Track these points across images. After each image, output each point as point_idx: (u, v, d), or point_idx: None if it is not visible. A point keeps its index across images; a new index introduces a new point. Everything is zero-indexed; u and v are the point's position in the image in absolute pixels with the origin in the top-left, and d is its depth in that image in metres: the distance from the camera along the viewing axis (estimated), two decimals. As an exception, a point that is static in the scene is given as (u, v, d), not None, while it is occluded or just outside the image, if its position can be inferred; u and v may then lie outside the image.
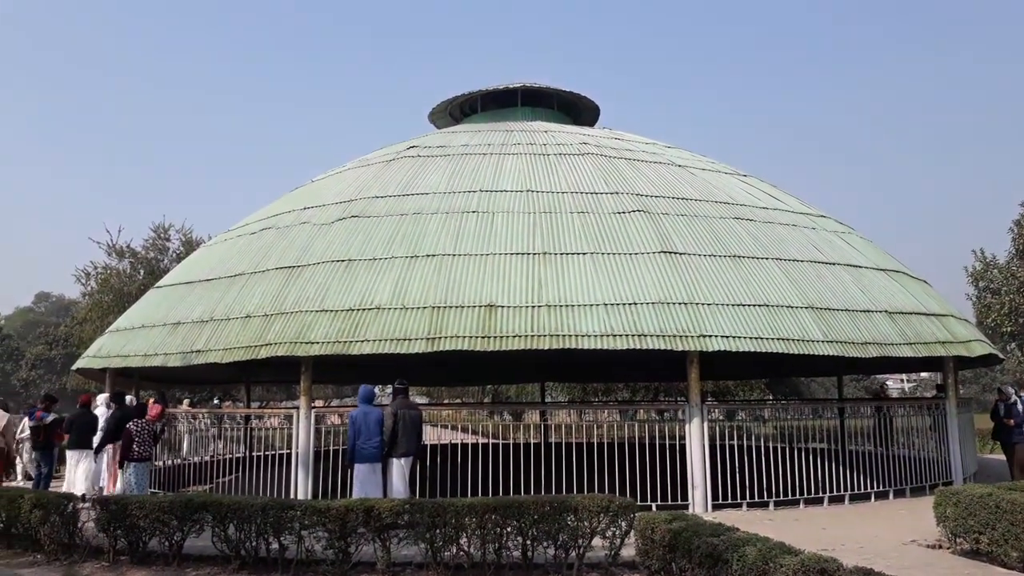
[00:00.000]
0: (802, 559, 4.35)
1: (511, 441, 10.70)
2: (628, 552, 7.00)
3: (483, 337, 9.39)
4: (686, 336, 9.41)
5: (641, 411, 13.72)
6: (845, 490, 10.56)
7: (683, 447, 10.14)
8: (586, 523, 7.00)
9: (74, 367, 14.51)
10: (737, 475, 10.10)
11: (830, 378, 32.92)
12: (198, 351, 10.65)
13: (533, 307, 9.71)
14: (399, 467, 9.16)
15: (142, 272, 25.86)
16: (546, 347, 9.29)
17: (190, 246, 26.58)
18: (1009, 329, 27.55)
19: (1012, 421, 12.14)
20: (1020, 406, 12.17)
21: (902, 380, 63.71)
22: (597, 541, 7.01)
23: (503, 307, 9.73)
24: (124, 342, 12.29)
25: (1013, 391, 12.51)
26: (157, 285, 14.36)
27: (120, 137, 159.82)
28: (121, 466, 10.06)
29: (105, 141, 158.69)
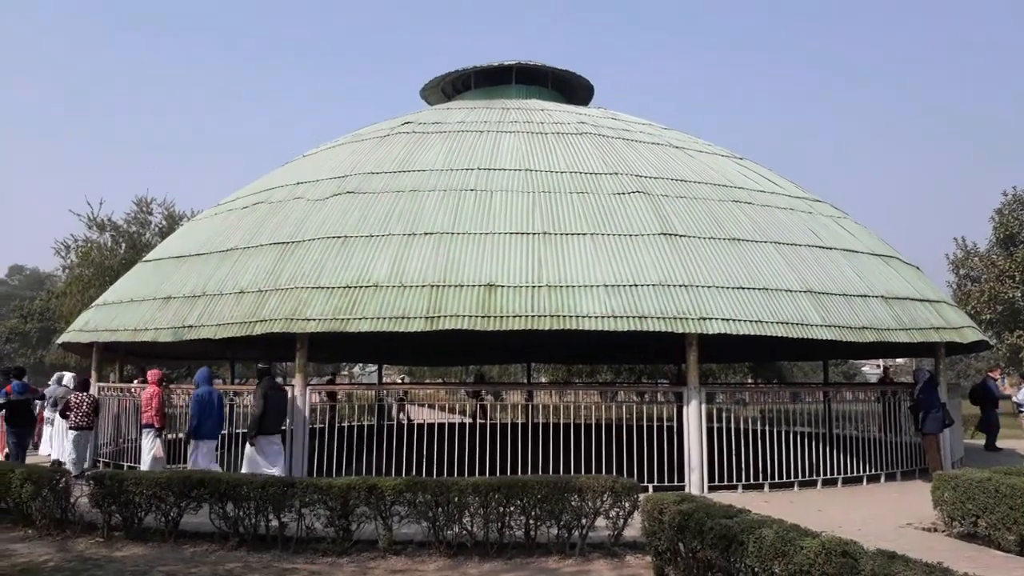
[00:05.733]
0: (822, 541, 4.34)
1: (495, 422, 10.63)
2: (631, 533, 7.01)
3: (483, 316, 9.31)
4: (687, 318, 9.39)
5: (633, 393, 13.80)
6: (838, 473, 10.66)
7: (677, 428, 10.18)
8: (590, 503, 6.99)
9: (59, 340, 14.24)
10: (733, 457, 10.14)
11: (810, 363, 33.37)
12: (190, 326, 10.46)
13: (533, 287, 9.64)
14: (268, 445, 9.51)
15: (123, 246, 25.43)
16: (547, 327, 9.24)
17: (173, 220, 26.20)
18: (988, 316, 27.98)
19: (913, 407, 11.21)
20: (923, 395, 11.07)
21: (878, 366, 64.49)
22: (600, 521, 7.01)
23: (503, 287, 9.64)
24: (112, 316, 12.05)
25: (926, 374, 11.37)
26: (145, 259, 14.09)
27: (100, 111, 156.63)
28: None
29: (85, 115, 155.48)
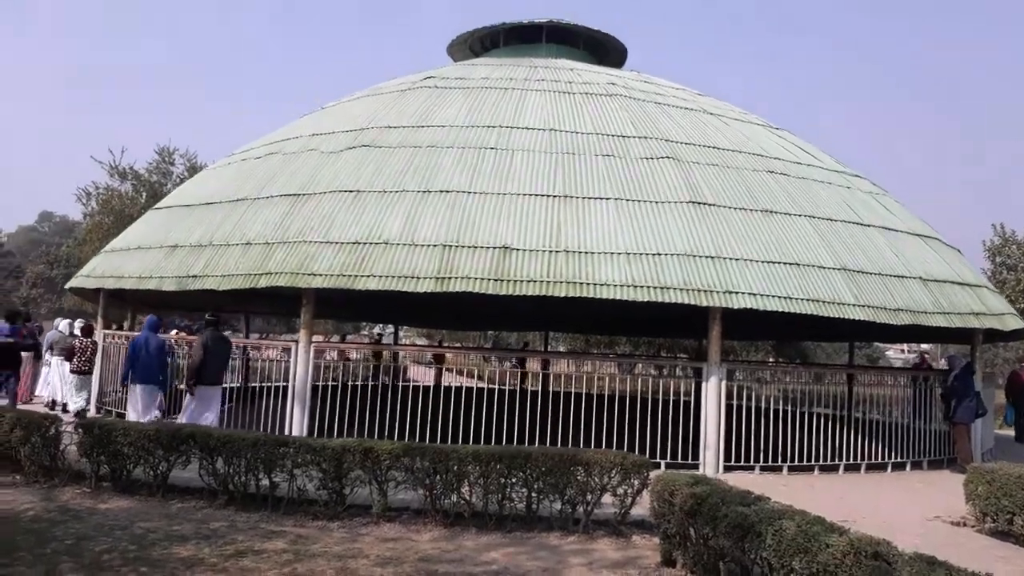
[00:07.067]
0: (851, 540, 3.89)
1: (509, 388, 10.31)
2: (639, 511, 6.61)
3: (496, 280, 8.87)
4: (711, 291, 8.88)
5: (651, 366, 13.36)
6: (861, 459, 10.17)
7: (694, 405, 9.73)
8: (596, 479, 6.60)
9: (67, 286, 14.06)
10: (752, 437, 9.68)
11: (833, 344, 32.57)
12: (194, 276, 10.15)
13: (550, 252, 9.16)
14: (207, 394, 9.42)
15: (144, 195, 25.25)
16: (562, 294, 8.77)
17: (194, 170, 25.93)
18: (1022, 306, 27.04)
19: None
20: (958, 382, 10.39)
21: (903, 350, 63.11)
22: (607, 498, 6.63)
23: (519, 250, 9.18)
24: (119, 263, 11.78)
25: (962, 361, 10.72)
26: (156, 206, 13.78)
27: (131, 57, 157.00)
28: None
29: (115, 61, 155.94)
